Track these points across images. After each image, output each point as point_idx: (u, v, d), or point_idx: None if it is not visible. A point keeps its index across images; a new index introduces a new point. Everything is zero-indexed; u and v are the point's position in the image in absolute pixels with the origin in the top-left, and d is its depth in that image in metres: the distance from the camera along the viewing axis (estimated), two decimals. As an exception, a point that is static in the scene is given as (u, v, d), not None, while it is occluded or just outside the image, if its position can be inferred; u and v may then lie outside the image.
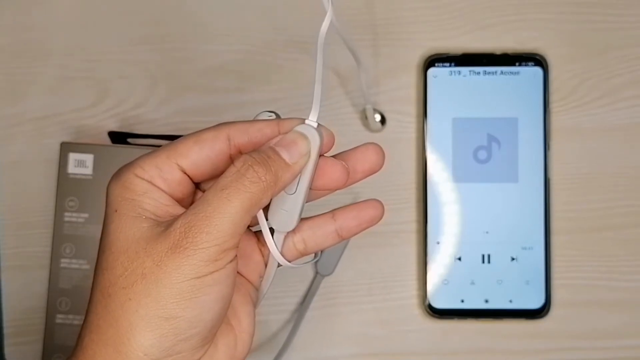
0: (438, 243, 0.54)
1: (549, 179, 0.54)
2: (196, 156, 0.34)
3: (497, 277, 0.54)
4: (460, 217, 0.54)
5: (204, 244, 0.30)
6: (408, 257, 0.55)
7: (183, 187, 0.34)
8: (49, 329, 0.52)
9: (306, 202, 0.35)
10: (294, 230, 0.36)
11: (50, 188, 0.54)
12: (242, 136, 0.34)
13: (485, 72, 0.55)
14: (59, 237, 0.53)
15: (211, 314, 0.31)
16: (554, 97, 0.55)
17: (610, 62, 0.55)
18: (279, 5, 0.56)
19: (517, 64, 0.55)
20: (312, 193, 0.36)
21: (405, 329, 0.55)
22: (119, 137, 0.54)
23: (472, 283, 0.54)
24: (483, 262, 0.54)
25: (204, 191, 0.35)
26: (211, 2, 0.56)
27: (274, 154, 0.33)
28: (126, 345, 0.31)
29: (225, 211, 0.31)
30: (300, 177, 0.34)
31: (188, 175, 0.34)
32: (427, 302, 0.54)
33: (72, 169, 0.53)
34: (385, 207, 0.37)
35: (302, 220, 0.36)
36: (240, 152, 0.34)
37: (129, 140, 0.54)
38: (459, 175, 0.54)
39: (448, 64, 0.55)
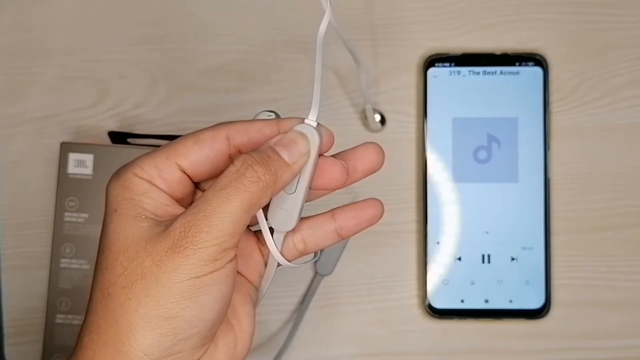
0: (438, 243, 0.54)
1: (549, 179, 0.54)
2: (195, 156, 0.34)
3: (497, 277, 0.54)
4: (460, 217, 0.54)
5: (204, 243, 0.30)
6: (408, 257, 0.55)
7: (182, 186, 0.34)
8: (49, 329, 0.52)
9: (306, 201, 0.35)
10: (293, 230, 0.36)
11: (50, 188, 0.54)
12: (241, 136, 0.34)
13: (485, 72, 0.55)
14: (59, 237, 0.53)
15: (211, 314, 0.31)
16: (554, 97, 0.55)
17: (610, 62, 0.55)
18: (279, 5, 0.56)
19: (517, 64, 0.55)
20: (312, 193, 0.36)
21: (405, 329, 0.55)
22: (119, 137, 0.54)
23: (472, 283, 0.54)
24: (483, 262, 0.54)
25: (203, 191, 0.35)
26: (211, 2, 0.56)
27: (273, 153, 0.33)
28: (126, 345, 0.31)
29: (224, 211, 0.31)
30: (299, 176, 0.34)
31: (187, 175, 0.34)
32: (427, 302, 0.54)
33: (72, 169, 0.53)
34: (385, 207, 0.37)
35: (301, 219, 0.36)
36: (239, 152, 0.34)
37: (129, 140, 0.54)
38: (459, 175, 0.54)
39: (448, 64, 0.55)
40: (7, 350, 0.54)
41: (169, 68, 0.56)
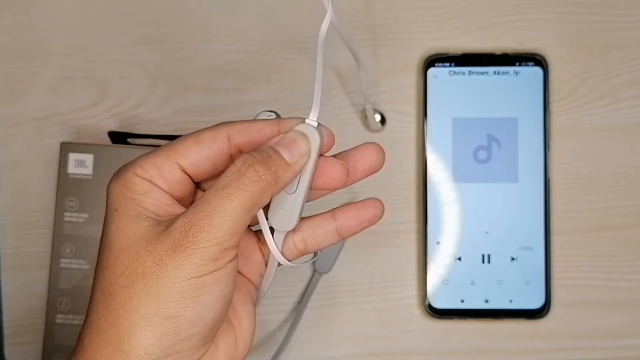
0: (438, 243, 0.54)
1: (549, 179, 0.54)
2: (196, 156, 0.34)
3: (497, 277, 0.54)
4: (460, 217, 0.54)
5: (205, 243, 0.30)
6: (408, 257, 0.55)
7: (183, 186, 0.34)
8: (49, 329, 0.52)
9: (306, 201, 0.35)
10: (294, 230, 0.36)
11: (50, 188, 0.54)
12: (241, 136, 0.34)
13: (485, 72, 0.55)
14: (59, 237, 0.53)
15: (212, 313, 0.31)
16: (554, 97, 0.55)
17: (610, 62, 0.55)
18: (279, 5, 0.56)
19: (517, 64, 0.55)
20: (312, 193, 0.36)
21: (405, 329, 0.55)
22: (119, 137, 0.54)
23: (472, 283, 0.54)
24: (483, 262, 0.54)
25: (204, 190, 0.35)
26: (211, 2, 0.56)
27: (274, 153, 0.33)
28: (127, 344, 0.31)
29: (225, 210, 0.31)
30: (300, 176, 0.34)
31: (188, 175, 0.34)
32: (427, 302, 0.54)
33: (72, 169, 0.53)
34: (385, 207, 0.37)
35: (302, 219, 0.36)
36: (240, 152, 0.34)
37: (129, 140, 0.54)
38: (459, 175, 0.54)
39: (448, 64, 0.55)
40: (7, 350, 0.54)
41: (169, 68, 0.56)
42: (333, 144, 0.35)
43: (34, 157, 0.55)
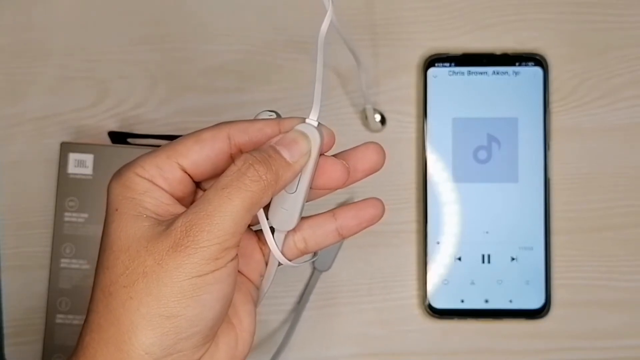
0: (438, 243, 0.54)
1: (549, 179, 0.54)
2: (196, 155, 0.34)
3: (497, 277, 0.54)
4: (460, 217, 0.54)
5: (205, 242, 0.30)
6: (408, 257, 0.55)
7: (183, 186, 0.34)
8: (49, 329, 0.52)
9: (307, 201, 0.35)
10: (294, 229, 0.36)
11: (50, 188, 0.54)
12: (242, 135, 0.34)
13: (485, 72, 0.55)
14: (59, 237, 0.53)
15: (212, 313, 0.31)
16: (554, 97, 0.55)
17: (610, 62, 0.55)
18: (279, 5, 0.56)
19: (517, 64, 0.55)
20: (313, 192, 0.36)
21: (405, 329, 0.55)
22: (119, 137, 0.54)
23: (472, 283, 0.54)
24: (483, 262, 0.54)
25: (204, 190, 0.35)
26: (211, 2, 0.56)
27: (274, 153, 0.33)
28: (127, 343, 0.31)
29: (226, 210, 0.31)
30: (300, 176, 0.34)
31: (188, 175, 0.34)
32: (427, 302, 0.54)
33: (72, 169, 0.53)
34: (385, 206, 0.37)
35: (302, 219, 0.36)
36: (240, 151, 0.34)
37: (129, 140, 0.54)
38: (459, 175, 0.54)
39: (448, 64, 0.55)
40: (7, 350, 0.54)
41: (169, 68, 0.56)
42: (333, 143, 0.35)
43: (34, 157, 0.55)
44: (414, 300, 0.55)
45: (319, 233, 0.36)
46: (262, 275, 0.37)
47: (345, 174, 0.35)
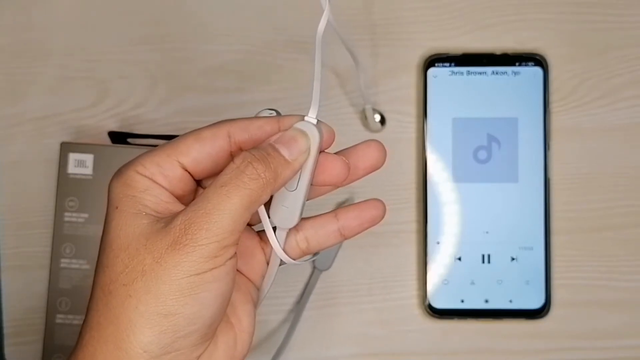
0: (438, 243, 0.54)
1: (549, 179, 0.54)
2: (197, 153, 0.34)
3: (497, 277, 0.54)
4: (460, 217, 0.54)
5: (204, 240, 0.31)
6: (408, 257, 0.55)
7: (184, 184, 0.34)
8: (49, 329, 0.52)
9: (309, 199, 0.35)
10: (296, 229, 0.36)
11: (50, 188, 0.54)
12: (242, 133, 0.34)
13: (485, 72, 0.55)
14: (59, 237, 0.53)
15: (210, 311, 0.32)
16: (554, 97, 0.55)
17: (610, 62, 0.55)
18: (279, 5, 0.56)
19: (517, 64, 0.55)
20: (315, 190, 0.36)
21: (405, 329, 0.55)
22: (119, 137, 0.54)
23: (472, 283, 0.54)
24: (483, 262, 0.54)
25: (205, 188, 0.35)
26: (211, 2, 0.56)
27: (273, 151, 0.33)
28: (126, 342, 0.31)
29: (224, 208, 0.31)
30: (300, 174, 0.34)
31: (189, 173, 0.34)
32: (427, 302, 0.54)
33: (72, 169, 0.53)
34: (386, 207, 0.37)
35: (304, 219, 0.36)
36: (241, 149, 0.34)
37: (129, 140, 0.54)
38: (459, 175, 0.54)
39: (448, 64, 0.55)
40: (7, 350, 0.54)
41: (169, 68, 0.56)
42: (333, 140, 0.35)
43: (34, 157, 0.56)
44: (414, 300, 0.55)
45: (321, 233, 0.37)
46: (263, 275, 0.37)
47: (346, 169, 0.35)
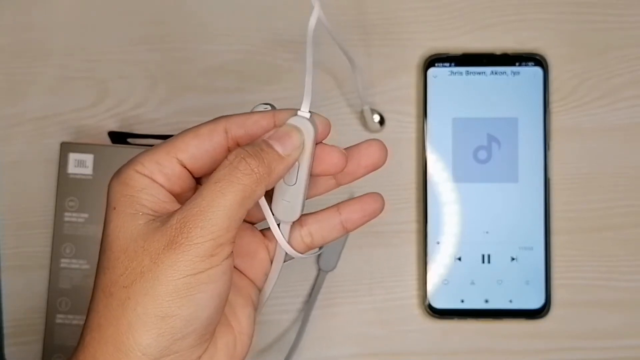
0: (438, 243, 0.54)
1: (549, 179, 0.54)
2: (195, 150, 0.34)
3: (497, 277, 0.54)
4: (460, 217, 0.54)
5: (199, 239, 0.31)
6: (408, 257, 0.55)
7: (182, 181, 0.34)
8: (49, 329, 0.52)
9: (310, 197, 0.36)
10: (300, 224, 0.36)
11: (50, 188, 0.54)
12: (239, 128, 0.35)
13: (485, 72, 0.55)
14: (59, 237, 0.53)
15: (207, 312, 0.32)
16: (554, 97, 0.55)
17: (610, 62, 0.55)
18: (279, 5, 0.56)
19: (517, 64, 0.55)
20: (318, 186, 0.37)
21: (405, 329, 0.55)
22: (119, 137, 0.54)
23: (472, 283, 0.54)
24: (483, 262, 0.54)
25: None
26: (211, 2, 0.56)
27: (267, 146, 0.33)
28: (125, 344, 0.31)
29: (219, 204, 0.31)
30: (299, 167, 0.34)
31: (188, 170, 0.34)
32: (427, 302, 0.54)
33: (72, 169, 0.53)
34: (385, 206, 0.38)
35: (308, 214, 0.37)
36: (238, 145, 0.35)
37: (129, 140, 0.54)
38: (459, 175, 0.54)
39: (448, 64, 0.55)
40: (7, 350, 0.54)
41: (169, 68, 0.56)
42: (329, 131, 0.35)
43: (34, 157, 0.56)
44: (414, 300, 0.55)
45: (324, 227, 0.37)
46: (266, 274, 0.37)
47: (343, 159, 0.35)
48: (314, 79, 0.35)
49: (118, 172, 0.34)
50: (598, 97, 0.55)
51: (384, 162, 0.36)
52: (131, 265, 0.31)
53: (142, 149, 0.52)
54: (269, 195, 0.35)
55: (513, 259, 0.54)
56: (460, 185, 0.54)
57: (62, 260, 0.52)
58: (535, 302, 0.54)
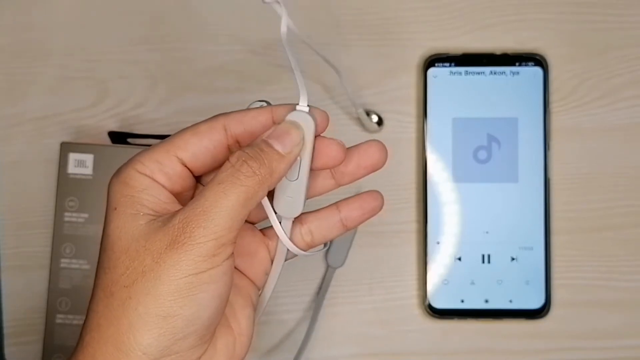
0: (438, 243, 0.54)
1: (549, 179, 0.54)
2: (195, 148, 0.34)
3: (497, 277, 0.54)
4: (460, 217, 0.54)
5: (202, 238, 0.31)
6: (408, 257, 0.55)
7: (183, 180, 0.34)
8: (49, 329, 0.52)
9: (314, 196, 0.36)
10: (301, 222, 0.37)
11: (50, 188, 0.54)
12: (237, 125, 0.35)
13: (485, 72, 0.55)
14: (59, 237, 0.53)
15: (208, 312, 0.32)
16: (554, 97, 0.55)
17: (610, 62, 0.55)
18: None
19: (517, 64, 0.55)
20: (318, 186, 0.37)
21: (405, 329, 0.55)
22: (119, 137, 0.54)
23: (472, 283, 0.54)
24: (483, 262, 0.54)
25: (204, 185, 0.36)
26: (211, 2, 0.56)
27: (267, 147, 0.33)
28: (126, 344, 0.31)
29: (221, 205, 0.31)
30: (300, 163, 0.34)
31: (188, 168, 0.34)
32: (427, 302, 0.54)
33: (72, 169, 0.53)
34: (385, 207, 0.38)
35: (308, 212, 0.37)
36: (237, 142, 0.35)
37: (129, 140, 0.54)
38: (459, 175, 0.54)
39: (448, 64, 0.55)
40: (7, 350, 0.54)
41: (169, 68, 0.56)
42: (327, 124, 0.36)
43: (34, 157, 0.55)
44: (414, 300, 0.55)
45: (324, 225, 0.37)
46: (267, 274, 0.37)
47: (342, 150, 0.35)
48: (308, 83, 0.35)
49: (118, 172, 0.34)
50: (598, 97, 0.55)
51: (384, 163, 0.37)
52: (132, 264, 0.31)
53: (142, 149, 0.52)
54: (270, 192, 0.35)
55: (513, 259, 0.54)
56: (460, 185, 0.54)
57: (62, 260, 0.52)
58: (535, 302, 0.54)
